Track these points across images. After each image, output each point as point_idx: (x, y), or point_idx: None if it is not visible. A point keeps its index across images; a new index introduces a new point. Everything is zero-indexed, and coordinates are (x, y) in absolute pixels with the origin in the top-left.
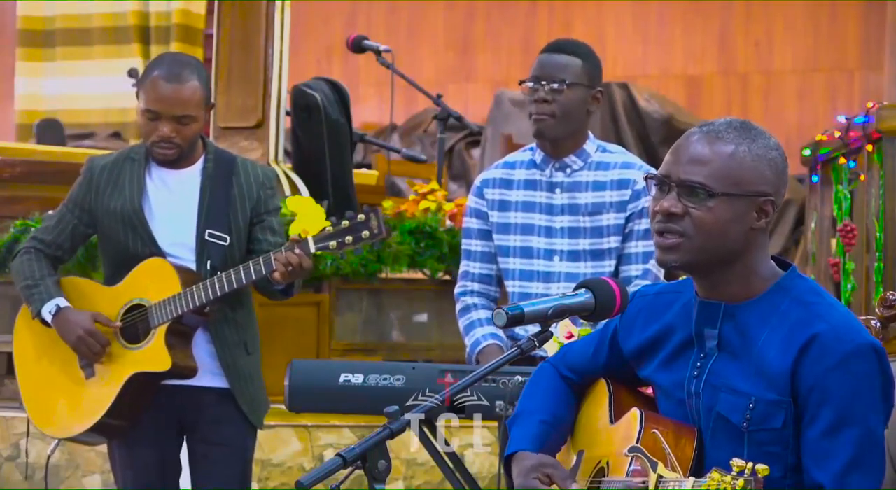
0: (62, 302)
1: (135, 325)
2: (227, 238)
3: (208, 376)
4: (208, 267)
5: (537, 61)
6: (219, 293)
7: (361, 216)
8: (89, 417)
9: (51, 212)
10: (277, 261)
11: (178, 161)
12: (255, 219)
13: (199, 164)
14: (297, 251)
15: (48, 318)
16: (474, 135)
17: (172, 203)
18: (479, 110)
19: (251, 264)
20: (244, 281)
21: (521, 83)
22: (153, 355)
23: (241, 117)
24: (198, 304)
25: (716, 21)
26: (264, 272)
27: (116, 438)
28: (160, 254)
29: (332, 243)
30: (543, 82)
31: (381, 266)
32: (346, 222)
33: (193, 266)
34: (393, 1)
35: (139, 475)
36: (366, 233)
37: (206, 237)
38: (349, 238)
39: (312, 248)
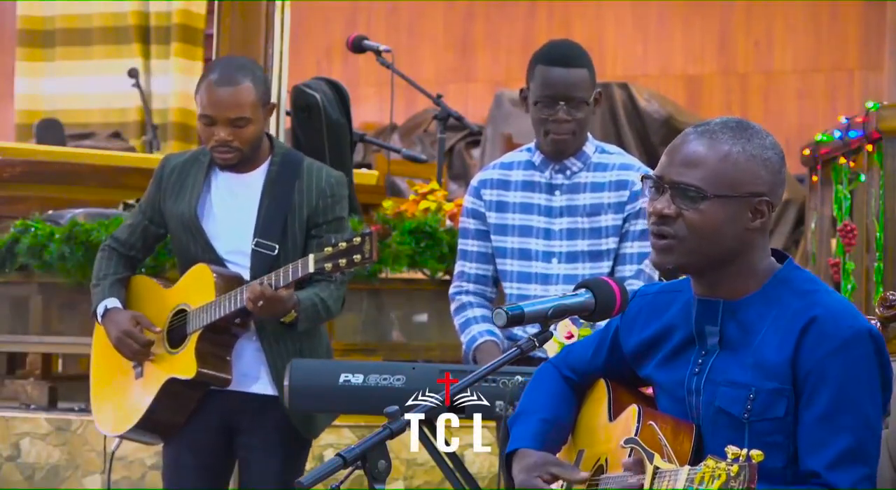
0: (111, 302)
1: (179, 329)
2: (276, 248)
3: (258, 384)
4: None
5: (546, 78)
6: (239, 306)
7: (357, 239)
8: (132, 416)
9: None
10: (247, 293)
11: (241, 165)
12: (312, 230)
13: (263, 168)
14: (263, 283)
15: (99, 319)
16: (474, 135)
17: (234, 209)
18: (479, 110)
19: (238, 290)
20: (238, 305)
21: (535, 104)
22: (183, 362)
23: None
24: (222, 315)
25: (716, 21)
26: (240, 304)
27: (168, 438)
28: (218, 260)
29: (328, 265)
30: (562, 102)
31: (381, 266)
32: (343, 245)
33: (247, 274)
34: (393, 1)
35: (184, 479)
36: (357, 257)
37: (255, 247)
38: (343, 261)
39: (311, 268)
